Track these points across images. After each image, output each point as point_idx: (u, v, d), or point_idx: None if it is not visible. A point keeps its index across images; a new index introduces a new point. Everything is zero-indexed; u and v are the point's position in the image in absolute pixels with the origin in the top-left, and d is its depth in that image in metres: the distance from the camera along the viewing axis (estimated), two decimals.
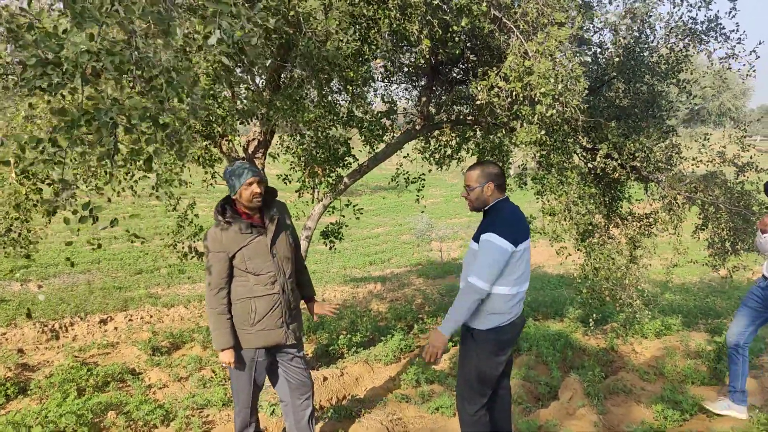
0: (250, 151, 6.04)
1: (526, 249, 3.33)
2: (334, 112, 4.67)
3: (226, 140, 5.35)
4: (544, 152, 5.14)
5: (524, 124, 4.55)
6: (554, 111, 4.34)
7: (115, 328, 9.39)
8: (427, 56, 4.16)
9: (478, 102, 4.40)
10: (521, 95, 4.29)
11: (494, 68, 4.54)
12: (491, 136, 5.39)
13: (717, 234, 6.37)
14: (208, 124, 4.55)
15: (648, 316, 7.33)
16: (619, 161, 5.74)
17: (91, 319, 9.66)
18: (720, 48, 5.96)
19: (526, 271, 3.40)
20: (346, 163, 5.58)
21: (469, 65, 5.60)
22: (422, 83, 6.70)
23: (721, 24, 5.92)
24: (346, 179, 5.97)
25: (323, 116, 4.34)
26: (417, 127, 6.04)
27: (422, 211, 15.69)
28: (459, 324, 3.22)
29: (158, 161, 2.14)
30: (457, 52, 4.71)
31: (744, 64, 5.98)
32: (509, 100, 4.26)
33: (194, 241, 5.83)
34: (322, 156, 5.05)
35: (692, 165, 6.31)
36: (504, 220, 3.20)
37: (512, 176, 6.89)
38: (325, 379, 6.07)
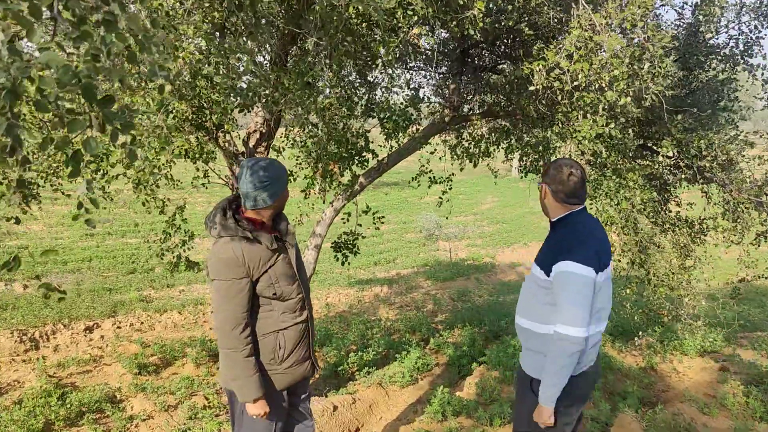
0: (251, 145, 5.21)
1: (607, 277, 2.57)
2: (354, 98, 3.82)
3: (223, 132, 4.51)
4: (603, 150, 4.29)
5: (587, 115, 3.69)
6: (627, 99, 3.50)
7: (101, 337, 8.56)
8: (477, 26, 3.31)
9: (532, 87, 3.54)
10: (585, 80, 3.44)
11: (550, 47, 3.68)
12: (537, 130, 4.57)
13: None
14: (199, 110, 3.69)
15: (701, 331, 6.54)
16: (684, 161, 4.90)
17: (76, 327, 8.82)
18: None
19: (607, 305, 2.62)
20: (363, 159, 4.73)
21: (511, 45, 4.75)
22: (444, 69, 5.85)
23: None
24: (362, 179, 5.12)
25: (341, 102, 3.50)
26: (446, 119, 5.19)
27: (447, 217, 14.89)
28: (562, 387, 2.47)
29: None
30: (511, 23, 3.87)
31: None
32: (574, 83, 3.40)
33: (184, 250, 4.97)
34: (338, 151, 4.21)
35: (756, 164, 5.48)
36: (580, 241, 2.48)
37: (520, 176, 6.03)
38: (335, 408, 5.25)
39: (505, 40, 5.03)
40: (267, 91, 3.08)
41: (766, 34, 5.22)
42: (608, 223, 4.44)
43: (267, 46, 3.51)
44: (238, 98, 2.56)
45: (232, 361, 2.66)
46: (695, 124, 4.90)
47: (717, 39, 5.36)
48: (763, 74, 5.05)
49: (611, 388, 6.18)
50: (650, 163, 4.99)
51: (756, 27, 5.25)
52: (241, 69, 2.71)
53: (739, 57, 5.31)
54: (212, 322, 4.80)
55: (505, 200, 31.91)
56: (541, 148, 4.59)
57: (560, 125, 3.88)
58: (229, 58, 2.42)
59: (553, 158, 4.77)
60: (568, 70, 3.38)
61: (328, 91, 3.53)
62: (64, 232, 16.76)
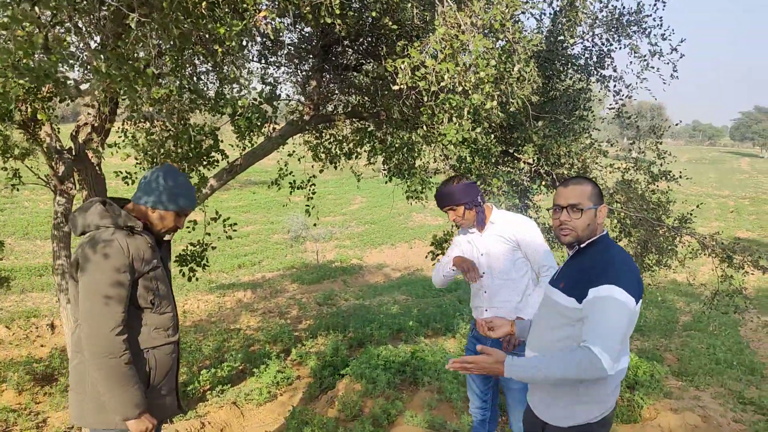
0: (80, 140, 4.50)
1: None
2: (197, 90, 3.33)
3: (39, 124, 3.82)
4: (468, 155, 4.14)
5: (453, 118, 3.49)
6: (494, 103, 3.33)
7: None
8: (334, 14, 2.96)
9: (396, 86, 3.27)
10: (451, 81, 3.23)
11: (415, 45, 3.43)
12: (402, 132, 4.33)
13: (631, 247, 5.82)
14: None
15: None
16: (544, 167, 4.91)
17: None
18: (646, 45, 5.34)
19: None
20: (212, 160, 4.22)
21: (376, 43, 4.47)
22: (307, 66, 5.48)
23: (646, 18, 5.30)
24: (212, 181, 4.60)
25: (180, 94, 3.01)
26: (306, 117, 4.81)
27: (315, 224, 14.38)
28: (536, 380, 2.07)
29: None
30: (374, 15, 3.56)
31: (668, 63, 5.40)
32: (441, 84, 3.17)
33: None
34: (180, 151, 3.69)
35: (608, 172, 5.68)
36: (625, 266, 2.10)
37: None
38: None
39: (369, 37, 4.75)
40: (85, 77, 2.51)
41: (617, 48, 5.39)
42: None
43: (94, 22, 2.93)
44: (25, 79, 2.01)
45: (108, 370, 2.23)
46: (554, 131, 4.93)
47: (573, 49, 5.46)
48: (615, 85, 5.20)
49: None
50: (512, 170, 4.95)
51: (608, 40, 5.41)
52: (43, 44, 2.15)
53: (593, 68, 5.45)
54: (68, 334, 4.08)
55: (374, 200, 32.12)
56: (405, 151, 4.37)
57: (425, 128, 3.65)
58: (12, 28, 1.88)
59: (417, 162, 4.58)
60: (434, 69, 3.14)
61: (164, 79, 3.02)
62: None
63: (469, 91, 3.33)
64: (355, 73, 5.67)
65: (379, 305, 12.06)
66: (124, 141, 4.53)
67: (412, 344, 7.70)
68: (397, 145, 4.36)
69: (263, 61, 5.39)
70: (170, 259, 2.67)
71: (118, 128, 4.79)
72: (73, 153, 4.45)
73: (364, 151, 5.04)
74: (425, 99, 3.31)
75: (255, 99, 4.12)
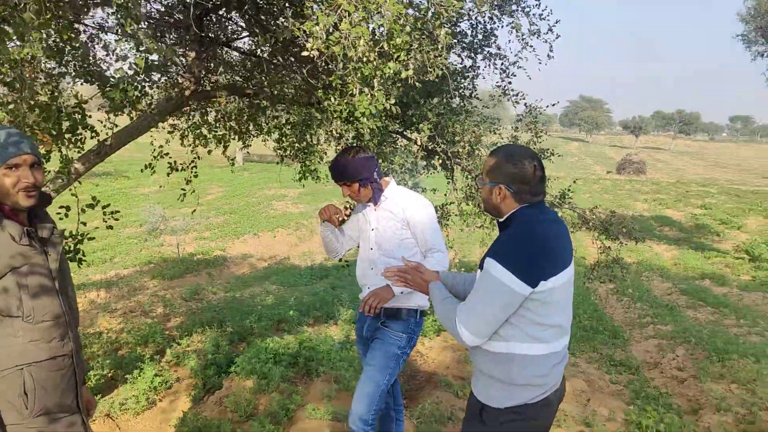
0: None
1: (565, 283, 2.11)
2: (57, 50, 2.78)
3: None
4: (368, 131, 3.95)
5: (364, 89, 3.27)
6: (410, 72, 3.18)
7: None
8: None
9: (306, 53, 2.98)
10: (366, 47, 3.01)
11: (322, 7, 3.16)
12: (299, 108, 4.00)
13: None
14: None
15: None
16: (440, 146, 4.86)
17: None
18: (527, 24, 5.46)
19: (569, 314, 2.19)
20: (78, 138, 3.62)
21: (257, 14, 4.10)
22: (172, 39, 4.95)
23: None
24: (77, 164, 3.97)
25: (50, 55, 2.47)
26: (186, 93, 4.32)
27: (194, 211, 13.32)
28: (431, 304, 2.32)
29: None
30: None
31: (545, 41, 5.57)
32: (359, 50, 2.93)
33: None
34: (43, 125, 3.09)
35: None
36: (521, 243, 2.06)
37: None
38: None
39: (249, 5, 4.30)
40: None
41: (500, 26, 5.47)
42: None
43: None
44: None
45: None
46: (448, 109, 4.89)
47: (459, 27, 5.45)
48: (503, 63, 5.26)
49: None
50: (408, 148, 4.84)
51: (491, 18, 5.47)
52: None
53: (478, 46, 5.48)
54: None
55: (231, 189, 30.87)
56: (303, 128, 4.07)
57: (333, 100, 3.39)
58: None
59: (313, 139, 4.30)
60: (349, 33, 2.89)
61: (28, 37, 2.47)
62: None
63: (382, 60, 3.13)
64: (227, 50, 5.25)
65: (252, 297, 11.56)
66: None
67: (296, 334, 7.40)
68: (293, 122, 4.04)
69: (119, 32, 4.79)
70: (57, 244, 2.11)
71: None
72: None
73: (255, 130, 4.65)
74: (339, 66, 3.06)
75: (131, 69, 3.59)
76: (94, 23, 4.54)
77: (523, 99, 5.34)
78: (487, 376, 2.19)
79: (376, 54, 3.09)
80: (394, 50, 3.09)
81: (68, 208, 3.62)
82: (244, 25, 4.93)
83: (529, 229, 2.08)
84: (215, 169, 32.16)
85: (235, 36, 5.30)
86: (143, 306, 10.77)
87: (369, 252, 3.10)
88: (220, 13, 4.92)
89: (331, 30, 2.96)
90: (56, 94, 3.06)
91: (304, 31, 3.01)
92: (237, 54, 5.49)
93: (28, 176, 1.95)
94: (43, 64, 2.61)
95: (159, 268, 15.22)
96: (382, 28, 3.09)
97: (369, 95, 3.23)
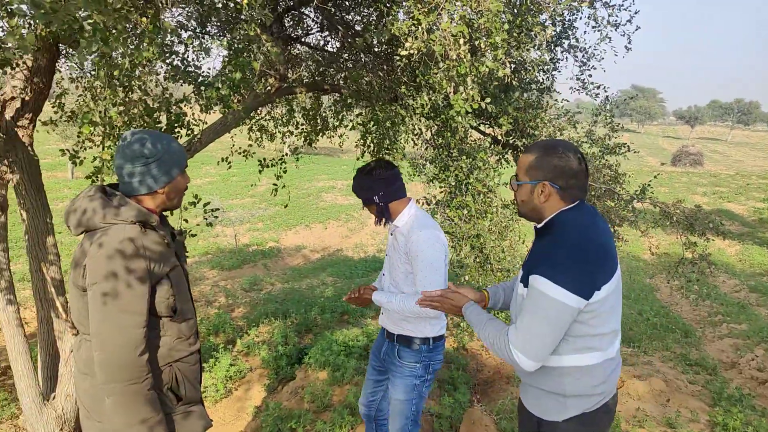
0: (8, 117, 3.84)
1: (616, 286, 1.96)
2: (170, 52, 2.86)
3: None
4: (438, 126, 3.96)
5: (459, 88, 3.26)
6: (507, 71, 3.15)
7: None
8: None
9: (405, 52, 2.99)
10: (467, 45, 3.00)
11: (418, 7, 3.15)
12: (385, 105, 4.01)
13: None
14: None
15: None
16: (520, 140, 4.82)
17: None
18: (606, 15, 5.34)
19: (619, 315, 2.06)
20: (175, 135, 3.74)
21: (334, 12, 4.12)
22: (239, 35, 5.02)
23: None
24: None
25: (164, 58, 2.55)
26: (271, 90, 4.40)
27: (286, 206, 13.62)
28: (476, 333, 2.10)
29: None
30: None
31: (623, 34, 5.44)
32: (462, 48, 2.93)
33: None
34: (155, 125, 3.20)
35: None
36: (569, 253, 1.84)
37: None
38: None
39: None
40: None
41: (578, 17, 5.36)
42: (460, 207, 4.12)
43: None
44: None
45: (131, 398, 1.86)
46: (527, 103, 4.84)
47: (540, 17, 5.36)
48: (582, 56, 5.16)
49: (438, 375, 6.03)
50: (489, 143, 4.82)
51: (569, 10, 5.36)
52: None
53: (558, 38, 5.38)
54: (8, 340, 3.50)
55: (281, 181, 31.28)
56: (389, 124, 4.08)
57: (420, 98, 3.39)
58: None
59: (397, 136, 4.31)
60: (452, 33, 2.88)
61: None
62: None
63: (475, 57, 3.12)
64: (298, 45, 5.30)
65: (310, 288, 11.72)
66: (63, 116, 3.92)
67: (361, 327, 7.48)
68: (376, 119, 4.06)
69: (202, 31, 4.90)
70: (185, 253, 2.27)
71: (52, 103, 4.16)
72: (2, 133, 3.80)
73: (344, 126, 4.70)
74: (439, 65, 3.06)
75: (223, 66, 3.68)
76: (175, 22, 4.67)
77: (605, 92, 5.23)
78: (537, 389, 2.08)
79: (467, 51, 3.08)
80: (491, 48, 3.06)
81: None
82: (321, 22, 4.98)
83: (575, 237, 1.87)
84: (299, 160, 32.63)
85: (311, 32, 5.36)
86: (206, 296, 11.06)
87: (384, 276, 3.03)
88: (300, 10, 4.97)
89: (431, 29, 2.96)
90: (167, 96, 3.16)
91: (403, 31, 3.02)
92: (307, 50, 5.56)
93: (188, 177, 2.15)
94: (157, 67, 2.70)
95: (217, 258, 15.57)
96: (481, 25, 3.07)
97: (464, 93, 3.22)
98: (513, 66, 3.19)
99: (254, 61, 2.92)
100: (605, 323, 1.92)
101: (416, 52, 2.99)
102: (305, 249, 18.62)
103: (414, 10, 3.01)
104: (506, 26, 3.04)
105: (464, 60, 3.09)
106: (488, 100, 3.21)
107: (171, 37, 3.07)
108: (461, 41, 2.95)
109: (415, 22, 2.95)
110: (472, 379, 6.18)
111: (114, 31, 2.06)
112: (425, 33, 2.89)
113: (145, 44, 2.61)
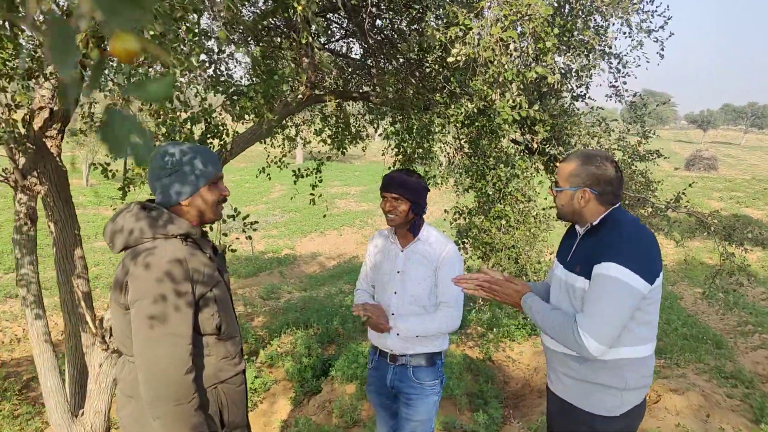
0: (36, 128, 3.78)
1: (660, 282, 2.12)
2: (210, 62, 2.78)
3: None
4: (473, 135, 3.85)
5: (504, 94, 3.15)
6: (557, 76, 3.04)
7: None
8: None
9: (451, 58, 2.88)
10: (516, 52, 2.90)
11: (464, 11, 3.04)
12: (420, 114, 3.91)
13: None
14: None
15: None
16: (556, 148, 4.70)
17: None
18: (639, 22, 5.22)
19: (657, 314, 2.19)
20: (208, 145, 3.66)
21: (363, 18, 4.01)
22: (261, 44, 4.94)
23: None
24: None
25: (205, 68, 2.47)
26: (301, 97, 4.31)
27: (324, 215, 13.53)
28: (537, 324, 2.17)
29: None
30: None
31: (656, 40, 5.32)
32: (511, 54, 2.82)
33: None
34: (197, 136, 3.11)
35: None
36: (634, 242, 2.01)
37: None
38: None
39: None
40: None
41: (614, 22, 5.24)
42: (499, 217, 4.00)
43: None
44: None
45: (179, 418, 1.76)
46: (562, 110, 4.72)
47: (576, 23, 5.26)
48: (620, 62, 5.04)
49: (466, 388, 5.89)
50: (522, 151, 4.71)
51: (602, 15, 5.25)
52: None
53: (594, 43, 5.27)
54: (38, 355, 3.43)
55: (294, 188, 31.26)
56: (425, 132, 3.97)
57: (457, 106, 3.28)
58: None
59: (433, 145, 4.20)
60: (501, 38, 2.78)
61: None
62: None
63: (527, 64, 3.01)
64: (325, 53, 5.20)
65: (328, 297, 11.61)
66: (91, 126, 3.84)
67: None
68: (416, 127, 3.95)
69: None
70: (227, 268, 2.17)
71: (81, 113, 4.10)
72: (30, 143, 3.74)
73: (378, 134, 4.61)
74: (485, 71, 2.94)
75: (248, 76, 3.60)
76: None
77: (642, 99, 5.10)
78: (589, 384, 2.12)
79: (521, 59, 2.98)
80: (542, 53, 2.95)
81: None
82: (347, 27, 4.89)
83: (633, 230, 2.05)
84: (275, 167, 32.66)
85: (334, 38, 5.28)
86: None
87: (392, 296, 2.79)
88: (328, 16, 4.89)
89: (481, 34, 2.86)
90: (207, 106, 3.08)
91: (450, 37, 2.92)
92: (331, 56, 5.47)
93: (225, 188, 1.99)
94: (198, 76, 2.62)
95: (233, 266, 15.51)
96: (528, 31, 2.96)
97: (510, 100, 3.11)
98: (562, 72, 3.06)
99: (302, 72, 2.82)
100: (656, 312, 2.07)
101: (463, 58, 2.88)
102: (321, 256, 18.53)
103: (460, 15, 2.91)
104: (556, 31, 2.94)
105: (513, 65, 2.98)
106: (536, 107, 3.09)
107: (220, 45, 2.99)
108: (511, 47, 2.85)
109: (463, 27, 2.84)
110: (502, 393, 6.04)
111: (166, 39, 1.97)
112: (475, 38, 2.78)
113: (195, 51, 2.53)
